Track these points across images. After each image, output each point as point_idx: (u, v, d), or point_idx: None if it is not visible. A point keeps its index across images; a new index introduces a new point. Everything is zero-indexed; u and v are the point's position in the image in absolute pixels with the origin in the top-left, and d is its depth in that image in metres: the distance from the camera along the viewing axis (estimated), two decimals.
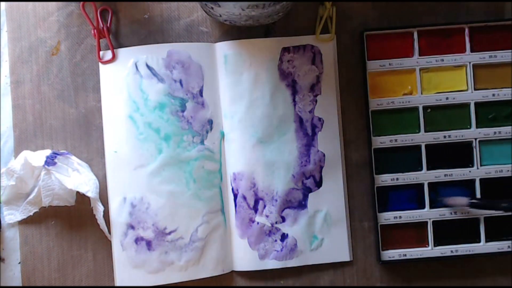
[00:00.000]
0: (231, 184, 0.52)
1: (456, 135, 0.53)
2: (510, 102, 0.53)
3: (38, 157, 0.49)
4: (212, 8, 0.47)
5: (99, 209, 0.49)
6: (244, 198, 0.52)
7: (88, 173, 0.50)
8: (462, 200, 0.51)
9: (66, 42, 0.53)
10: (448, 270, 0.53)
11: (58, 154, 0.50)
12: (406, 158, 0.53)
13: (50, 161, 0.48)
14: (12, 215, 0.51)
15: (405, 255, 0.52)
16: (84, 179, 0.49)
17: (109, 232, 0.51)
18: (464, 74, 0.53)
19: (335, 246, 0.52)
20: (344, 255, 0.52)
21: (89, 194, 0.48)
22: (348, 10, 0.54)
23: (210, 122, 0.52)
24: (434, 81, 0.53)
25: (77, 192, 0.50)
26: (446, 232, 0.52)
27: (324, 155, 0.52)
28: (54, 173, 0.49)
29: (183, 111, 0.52)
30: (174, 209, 0.51)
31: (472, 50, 0.53)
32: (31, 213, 0.51)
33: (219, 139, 0.52)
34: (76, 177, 0.49)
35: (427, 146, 0.53)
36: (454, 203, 0.51)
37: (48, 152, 0.50)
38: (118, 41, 0.53)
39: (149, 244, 0.51)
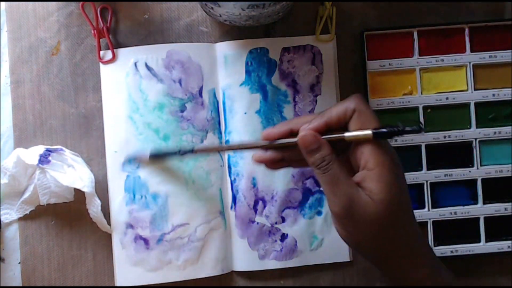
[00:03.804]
0: (231, 184, 0.52)
1: (456, 135, 0.53)
2: (510, 102, 0.53)
3: (31, 155, 0.48)
4: (212, 8, 0.47)
5: (95, 203, 0.49)
6: (244, 198, 0.52)
7: (83, 167, 0.50)
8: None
9: (66, 42, 0.53)
10: None
11: (51, 151, 0.49)
12: (406, 158, 0.53)
13: (44, 159, 0.48)
14: (8, 214, 0.51)
15: None
16: (79, 174, 0.49)
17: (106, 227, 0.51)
18: (464, 74, 0.53)
19: (335, 246, 0.52)
20: (344, 255, 0.52)
21: (84, 189, 0.48)
22: (348, 10, 0.54)
23: (210, 122, 0.52)
24: (434, 81, 0.53)
25: (77, 190, 0.50)
26: (446, 232, 0.52)
27: None
28: (48, 171, 0.49)
29: (182, 111, 0.52)
30: (173, 209, 0.51)
31: (472, 50, 0.53)
32: (27, 212, 0.51)
33: (219, 139, 0.52)
34: (71, 173, 0.49)
35: (427, 146, 0.52)
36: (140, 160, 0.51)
37: (41, 149, 0.49)
38: (118, 41, 0.53)
39: (147, 243, 0.51)
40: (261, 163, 0.43)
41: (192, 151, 0.48)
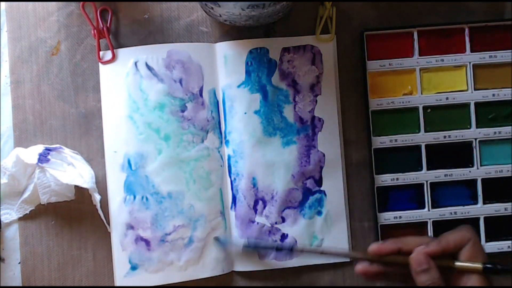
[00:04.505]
0: (231, 184, 0.52)
1: (456, 135, 0.53)
2: (510, 102, 0.53)
3: (30, 154, 0.48)
4: (212, 8, 0.47)
5: (96, 198, 0.49)
6: (244, 198, 0.52)
7: (83, 164, 0.50)
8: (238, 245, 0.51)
9: (66, 42, 0.53)
10: None
11: (50, 150, 0.49)
12: (406, 158, 0.53)
13: (43, 158, 0.48)
14: (8, 214, 0.51)
15: None
16: (79, 171, 0.49)
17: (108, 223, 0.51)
18: (464, 74, 0.53)
19: (335, 246, 0.52)
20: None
21: (85, 186, 0.48)
22: (348, 10, 0.54)
23: (210, 122, 0.52)
24: (434, 81, 0.53)
25: (77, 189, 0.50)
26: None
27: (324, 155, 0.52)
28: (48, 170, 0.48)
29: (183, 111, 0.52)
30: (174, 210, 0.51)
31: (472, 50, 0.53)
32: (27, 212, 0.51)
33: (219, 139, 0.52)
34: (71, 171, 0.49)
35: (427, 146, 0.53)
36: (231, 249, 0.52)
37: (40, 148, 0.49)
38: (118, 41, 0.53)
39: (148, 244, 0.51)
40: (364, 275, 0.44)
41: (291, 249, 0.50)
